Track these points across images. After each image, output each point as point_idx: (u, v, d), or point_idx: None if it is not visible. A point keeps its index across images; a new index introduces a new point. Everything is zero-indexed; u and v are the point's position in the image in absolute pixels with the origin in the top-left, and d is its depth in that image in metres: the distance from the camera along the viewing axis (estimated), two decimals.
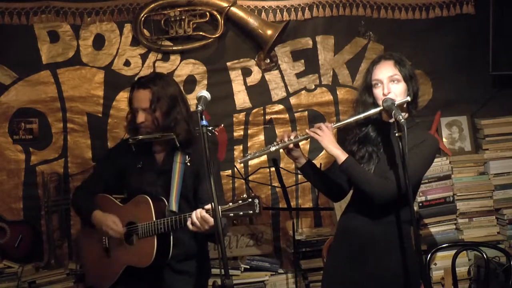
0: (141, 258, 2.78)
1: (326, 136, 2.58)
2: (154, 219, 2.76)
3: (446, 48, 4.07)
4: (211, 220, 2.55)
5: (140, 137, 2.86)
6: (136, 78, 3.27)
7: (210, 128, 3.77)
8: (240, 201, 2.49)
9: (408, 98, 2.58)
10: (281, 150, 2.74)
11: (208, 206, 2.58)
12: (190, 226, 2.64)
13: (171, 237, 2.77)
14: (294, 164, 2.78)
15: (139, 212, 2.83)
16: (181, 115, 2.86)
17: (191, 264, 2.89)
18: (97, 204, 2.96)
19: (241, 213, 2.48)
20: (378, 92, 2.60)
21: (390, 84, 2.58)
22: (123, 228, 2.84)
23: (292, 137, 2.64)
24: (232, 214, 2.49)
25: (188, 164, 2.86)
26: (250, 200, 2.47)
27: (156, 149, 2.94)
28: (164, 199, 2.83)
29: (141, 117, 2.83)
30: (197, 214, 2.60)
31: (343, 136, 2.80)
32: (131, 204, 2.89)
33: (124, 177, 2.97)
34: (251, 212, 2.47)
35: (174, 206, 2.79)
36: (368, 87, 2.66)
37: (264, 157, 3.81)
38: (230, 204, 2.50)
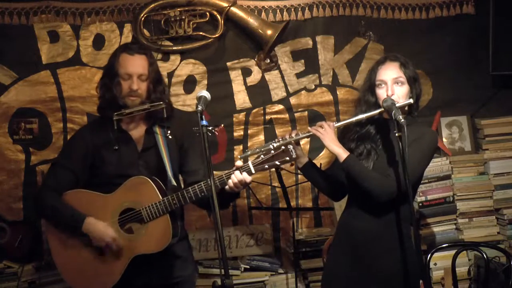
0: (155, 242, 2.61)
1: (328, 134, 2.60)
2: (160, 197, 2.60)
3: (446, 48, 4.06)
4: (247, 179, 2.49)
5: (127, 111, 2.61)
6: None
7: (210, 128, 3.77)
8: (273, 151, 2.43)
9: (411, 100, 2.59)
10: None
11: (238, 163, 2.50)
12: (231, 184, 2.52)
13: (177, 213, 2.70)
14: (294, 164, 2.79)
15: (139, 195, 2.62)
16: (164, 87, 2.76)
17: (184, 247, 2.81)
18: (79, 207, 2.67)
19: (277, 162, 2.43)
20: (381, 92, 2.61)
21: (394, 86, 2.59)
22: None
23: (293, 135, 2.64)
24: (267, 166, 2.44)
25: (170, 137, 2.72)
26: (284, 147, 2.41)
27: (130, 127, 2.73)
28: (155, 178, 2.65)
29: (137, 84, 2.61)
30: (234, 179, 2.50)
31: (341, 134, 2.80)
32: (124, 189, 2.64)
33: (96, 165, 2.70)
34: (288, 158, 2.42)
35: (173, 181, 2.67)
36: (371, 86, 2.67)
37: None
38: (262, 156, 2.44)
